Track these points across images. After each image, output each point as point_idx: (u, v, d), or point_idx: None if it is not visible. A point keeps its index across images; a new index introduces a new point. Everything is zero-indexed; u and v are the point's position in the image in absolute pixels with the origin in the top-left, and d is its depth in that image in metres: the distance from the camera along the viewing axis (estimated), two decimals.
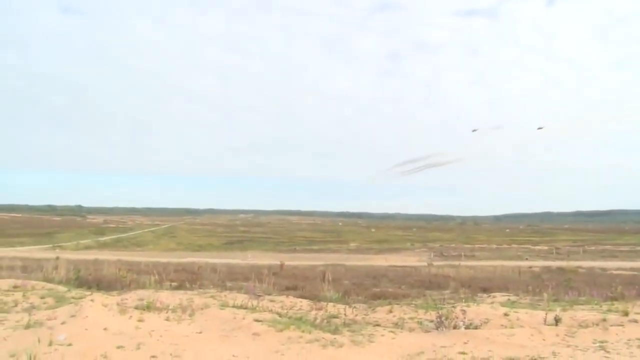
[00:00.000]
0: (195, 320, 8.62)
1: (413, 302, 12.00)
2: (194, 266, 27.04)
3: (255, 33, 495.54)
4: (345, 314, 9.85)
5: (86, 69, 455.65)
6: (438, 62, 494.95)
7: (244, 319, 8.56)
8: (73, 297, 10.05)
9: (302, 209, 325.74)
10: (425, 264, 38.40)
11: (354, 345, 7.31)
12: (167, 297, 10.35)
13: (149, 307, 9.08)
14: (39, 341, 6.63)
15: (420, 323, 9.27)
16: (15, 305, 9.24)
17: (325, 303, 11.22)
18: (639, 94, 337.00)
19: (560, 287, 15.78)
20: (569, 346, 7.32)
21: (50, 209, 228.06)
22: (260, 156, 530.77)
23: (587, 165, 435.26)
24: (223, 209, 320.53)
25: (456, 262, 41.47)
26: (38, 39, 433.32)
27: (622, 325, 8.62)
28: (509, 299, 13.39)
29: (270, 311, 9.61)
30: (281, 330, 7.79)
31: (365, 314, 10.25)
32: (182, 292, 11.89)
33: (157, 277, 14.95)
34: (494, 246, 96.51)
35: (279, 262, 29.78)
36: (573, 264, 42.98)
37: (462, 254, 70.29)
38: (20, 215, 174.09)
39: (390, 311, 10.43)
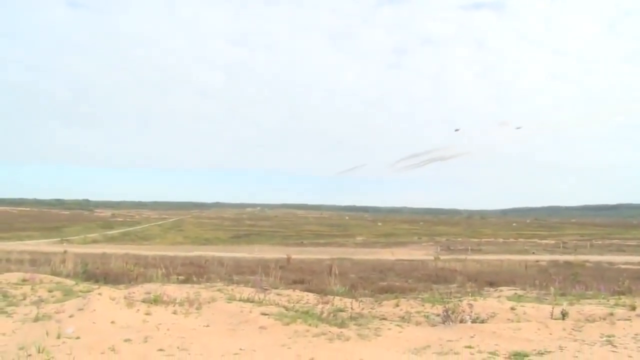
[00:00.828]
0: (202, 313, 8.66)
1: (420, 296, 12.01)
2: (201, 260, 27.10)
3: (262, 27, 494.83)
4: (351, 308, 9.85)
5: (93, 64, 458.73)
6: (444, 56, 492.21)
7: (250, 312, 8.59)
8: (81, 291, 10.14)
9: (309, 202, 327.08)
10: (432, 257, 38.20)
11: (360, 339, 7.32)
12: (174, 290, 10.39)
13: (156, 301, 9.13)
14: (47, 334, 6.69)
15: (426, 317, 9.28)
16: (24, 299, 9.32)
17: (331, 297, 11.27)
18: None
19: (567, 281, 15.74)
20: (575, 340, 7.28)
21: (58, 203, 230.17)
22: (267, 150, 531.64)
23: (594, 159, 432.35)
24: (230, 202, 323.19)
25: (463, 256, 41.21)
26: (45, 33, 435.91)
27: (630, 320, 8.56)
28: (515, 293, 13.37)
29: (277, 305, 9.64)
30: (288, 324, 7.81)
31: (371, 308, 10.28)
32: (189, 285, 11.95)
33: (164, 270, 15.04)
34: (501, 240, 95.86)
35: (285, 256, 29.80)
36: (580, 258, 42.70)
37: (469, 247, 69.75)
38: (28, 209, 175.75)
39: (397, 305, 10.45)
